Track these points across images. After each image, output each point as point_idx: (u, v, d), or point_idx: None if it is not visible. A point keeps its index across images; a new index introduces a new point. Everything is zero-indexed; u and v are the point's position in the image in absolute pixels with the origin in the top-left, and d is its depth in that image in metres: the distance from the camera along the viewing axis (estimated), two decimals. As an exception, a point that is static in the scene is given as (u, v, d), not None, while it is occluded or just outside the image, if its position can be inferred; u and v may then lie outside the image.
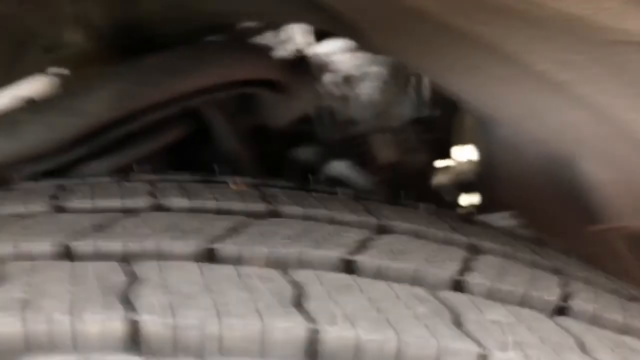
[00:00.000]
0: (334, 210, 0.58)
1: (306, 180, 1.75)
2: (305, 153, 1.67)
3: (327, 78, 1.48)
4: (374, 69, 1.49)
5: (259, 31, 1.18)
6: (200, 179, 0.65)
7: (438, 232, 0.60)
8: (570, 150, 0.84)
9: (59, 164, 0.75)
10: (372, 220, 0.58)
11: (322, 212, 0.57)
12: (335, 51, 1.52)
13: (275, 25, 1.15)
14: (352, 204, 0.64)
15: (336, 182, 1.61)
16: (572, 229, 0.99)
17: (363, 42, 0.89)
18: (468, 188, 1.86)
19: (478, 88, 0.83)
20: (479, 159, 1.59)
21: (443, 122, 1.67)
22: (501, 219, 1.37)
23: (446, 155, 1.78)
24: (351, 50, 1.51)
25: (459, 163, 1.98)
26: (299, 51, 1.15)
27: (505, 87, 0.80)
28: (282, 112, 1.15)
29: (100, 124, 0.73)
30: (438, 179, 1.96)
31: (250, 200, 0.56)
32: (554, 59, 0.69)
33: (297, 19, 1.10)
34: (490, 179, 1.09)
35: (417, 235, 0.58)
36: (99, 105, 0.69)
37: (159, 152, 0.96)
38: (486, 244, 0.61)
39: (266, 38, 1.32)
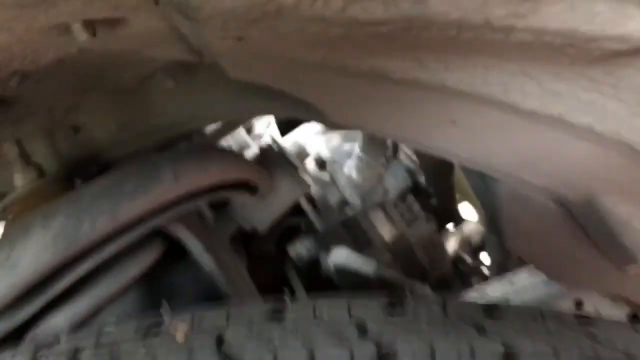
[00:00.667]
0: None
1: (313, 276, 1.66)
2: (302, 247, 1.57)
3: (306, 165, 1.41)
4: (348, 147, 1.42)
5: (224, 132, 1.12)
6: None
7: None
8: (584, 190, 0.74)
9: (4, 330, 0.64)
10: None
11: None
12: (307, 137, 1.46)
13: (237, 123, 1.08)
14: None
15: (344, 271, 1.51)
16: (608, 273, 0.88)
17: (328, 122, 0.82)
18: (480, 249, 1.76)
19: (462, 144, 0.75)
20: (484, 218, 1.50)
21: (443, 186, 1.59)
22: (529, 277, 1.26)
23: (454, 219, 1.69)
24: (323, 132, 1.46)
25: (468, 225, 1.89)
26: (269, 144, 1.07)
27: (490, 136, 0.72)
28: (263, 212, 1.06)
29: (46, 273, 0.63)
30: (450, 245, 1.86)
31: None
32: (541, 93, 0.61)
33: (258, 112, 1.04)
34: (501, 237, 0.98)
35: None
36: (38, 253, 0.60)
37: (135, 282, 0.87)
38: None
39: (235, 136, 1.26)
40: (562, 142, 0.68)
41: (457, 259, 1.92)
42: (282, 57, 0.60)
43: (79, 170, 1.04)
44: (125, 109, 1.03)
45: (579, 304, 1.08)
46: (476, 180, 0.96)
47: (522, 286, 1.18)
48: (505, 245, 0.99)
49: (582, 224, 0.80)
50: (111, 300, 0.79)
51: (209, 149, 0.82)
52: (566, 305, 1.09)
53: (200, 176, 0.74)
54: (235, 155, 0.88)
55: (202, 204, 0.88)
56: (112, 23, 0.50)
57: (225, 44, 0.50)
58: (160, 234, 0.85)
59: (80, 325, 0.82)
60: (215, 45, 0.52)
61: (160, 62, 0.88)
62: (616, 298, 1.07)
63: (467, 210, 1.90)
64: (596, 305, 1.08)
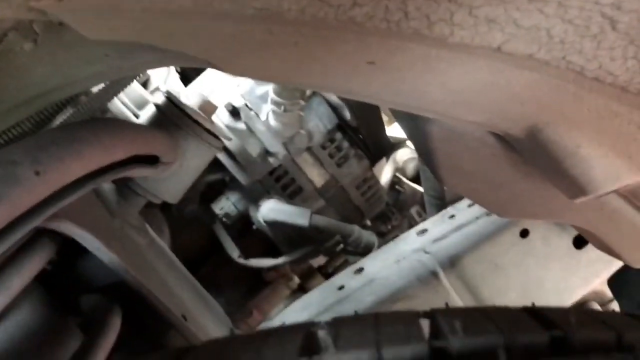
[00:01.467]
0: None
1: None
2: (228, 203, 1.47)
3: (216, 117, 1.27)
4: (262, 90, 1.29)
5: (113, 91, 0.96)
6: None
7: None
8: (526, 123, 0.66)
9: None
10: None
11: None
12: (213, 84, 1.31)
13: (126, 80, 0.93)
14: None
15: (276, 225, 1.42)
16: (553, 203, 0.82)
17: (229, 71, 0.69)
18: (417, 177, 1.70)
19: (384, 87, 0.64)
20: (418, 156, 1.43)
21: (371, 116, 1.49)
22: (467, 206, 1.20)
23: (386, 149, 1.60)
24: (228, 79, 1.31)
25: (401, 153, 1.83)
26: (167, 101, 0.93)
27: (415, 75, 0.61)
28: (171, 183, 0.93)
29: None
30: (384, 177, 1.79)
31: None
32: (472, 22, 0.51)
33: (145, 66, 0.89)
34: (437, 176, 0.91)
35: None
36: None
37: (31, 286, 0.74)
38: None
39: (129, 93, 1.11)
40: (499, 75, 0.59)
41: (394, 192, 1.85)
42: (140, 9, 0.46)
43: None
44: (-12, 80, 0.86)
45: (524, 234, 1.04)
46: (406, 120, 0.87)
47: (463, 220, 1.12)
48: (443, 183, 0.91)
49: (525, 156, 0.73)
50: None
51: (81, 126, 0.67)
52: (512, 236, 1.04)
53: (73, 165, 0.59)
54: (119, 127, 0.73)
55: (93, 187, 0.75)
56: None
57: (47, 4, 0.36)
58: (46, 232, 0.73)
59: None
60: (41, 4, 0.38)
61: (8, 21, 0.72)
62: (563, 224, 1.02)
63: (398, 131, 1.83)
64: (543, 233, 1.04)
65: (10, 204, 0.54)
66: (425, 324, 0.33)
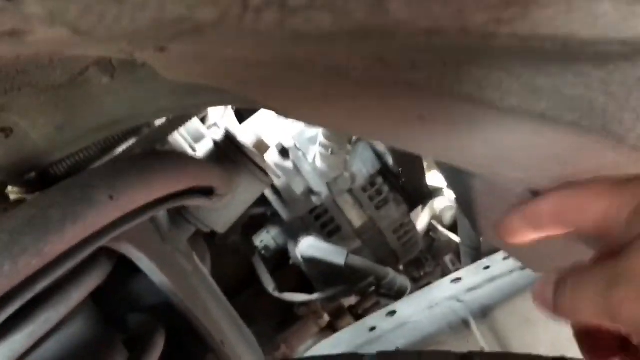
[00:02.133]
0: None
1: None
2: (268, 237, 1.51)
3: (267, 155, 1.33)
4: (311, 133, 1.34)
5: (174, 125, 1.02)
6: None
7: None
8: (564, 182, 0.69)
9: None
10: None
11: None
12: (266, 124, 1.38)
13: (187, 116, 0.99)
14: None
15: (312, 262, 1.46)
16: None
17: (286, 116, 0.74)
18: (453, 226, 1.72)
19: (431, 140, 0.68)
20: (458, 205, 1.45)
21: (412, 164, 1.53)
22: (502, 259, 1.21)
23: (425, 197, 1.63)
24: (281, 121, 1.37)
25: (439, 202, 1.85)
26: (225, 137, 0.99)
27: (462, 132, 0.65)
28: (222, 214, 0.99)
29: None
30: (421, 224, 1.81)
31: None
32: (520, 89, 0.54)
33: (207, 104, 0.95)
34: (476, 228, 0.93)
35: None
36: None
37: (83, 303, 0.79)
38: None
39: (188, 127, 1.17)
40: (542, 136, 0.62)
41: (429, 239, 1.87)
42: (221, 59, 0.51)
43: (16, 178, 0.95)
44: (61, 107, 0.93)
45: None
46: (448, 171, 0.90)
47: (498, 272, 1.14)
48: (481, 235, 0.94)
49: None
50: (53, 330, 0.71)
51: (151, 157, 0.73)
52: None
53: (142, 192, 0.65)
54: (183, 160, 0.79)
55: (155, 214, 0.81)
56: (14, 33, 0.41)
57: (145, 54, 0.42)
58: (106, 251, 0.78)
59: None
60: (136, 54, 0.43)
61: (91, 58, 0.79)
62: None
63: (437, 179, 1.86)
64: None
65: (84, 224, 0.60)
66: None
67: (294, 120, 1.12)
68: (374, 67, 0.52)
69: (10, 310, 0.59)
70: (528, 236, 0.54)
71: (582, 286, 0.45)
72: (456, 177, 0.84)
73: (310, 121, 0.76)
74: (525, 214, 0.53)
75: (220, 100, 0.91)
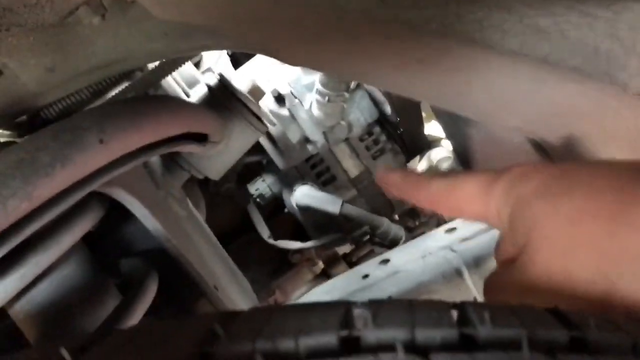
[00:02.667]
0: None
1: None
2: (264, 185, 1.51)
3: (262, 102, 1.31)
4: (308, 80, 1.31)
5: (168, 69, 1.00)
6: None
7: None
8: (564, 133, 0.68)
9: None
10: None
11: None
12: (262, 69, 1.34)
13: (182, 59, 0.97)
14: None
15: (307, 210, 1.45)
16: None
17: (280, 59, 0.72)
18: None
19: (430, 85, 0.67)
20: (455, 155, 1.44)
21: (411, 113, 1.51)
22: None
23: (422, 147, 1.62)
24: (277, 67, 1.34)
25: (436, 151, 1.84)
26: (219, 83, 0.96)
27: (462, 76, 0.64)
28: (215, 161, 0.97)
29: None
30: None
31: None
32: (523, 30, 0.53)
33: (202, 48, 0.93)
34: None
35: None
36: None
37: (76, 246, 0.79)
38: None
39: (182, 72, 1.15)
40: (543, 84, 0.61)
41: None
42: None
43: (6, 121, 0.93)
44: (51, 48, 0.91)
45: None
46: (446, 120, 0.89)
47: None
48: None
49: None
50: (44, 271, 0.71)
51: (143, 101, 0.71)
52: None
53: (133, 136, 0.64)
54: (176, 105, 0.77)
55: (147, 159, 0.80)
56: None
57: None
58: (98, 195, 0.77)
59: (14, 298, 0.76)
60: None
61: (80, -4, 0.76)
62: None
63: (435, 130, 1.84)
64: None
65: (75, 167, 0.59)
66: (454, 313, 0.36)
67: (290, 65, 1.09)
68: (373, 6, 0.50)
69: (0, 253, 0.59)
70: (400, 196, 0.53)
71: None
72: (454, 126, 0.83)
73: (305, 64, 0.74)
74: (407, 180, 0.52)
75: (214, 43, 0.89)
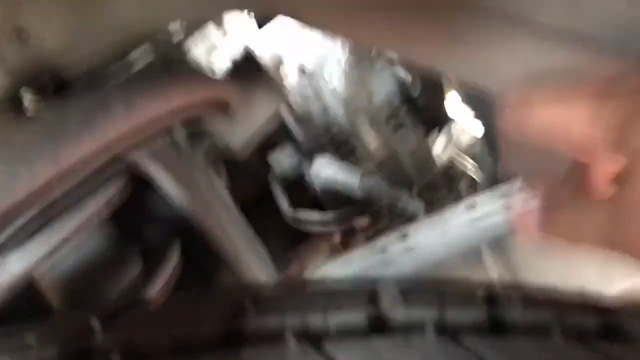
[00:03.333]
0: None
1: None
2: (284, 157, 1.50)
3: (285, 73, 1.30)
4: (330, 49, 1.30)
5: (189, 32, 0.99)
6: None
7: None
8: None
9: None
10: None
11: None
12: (284, 37, 1.33)
13: (204, 21, 0.96)
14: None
15: (326, 182, 1.45)
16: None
17: (307, 22, 0.71)
18: (470, 151, 1.70)
19: (459, 59, 0.66)
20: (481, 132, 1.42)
21: (432, 87, 1.49)
22: (515, 189, 1.20)
23: (443, 121, 1.60)
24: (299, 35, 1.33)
25: (457, 126, 1.82)
26: (242, 50, 0.96)
27: (492, 50, 0.63)
28: (236, 130, 0.97)
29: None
30: (437, 149, 1.79)
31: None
32: (557, 2, 0.52)
33: (227, 8, 0.92)
34: (496, 152, 0.92)
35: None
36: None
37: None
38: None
39: (203, 36, 1.14)
40: (575, 57, 0.60)
41: (445, 164, 1.86)
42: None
43: (30, 82, 0.94)
44: (75, 9, 0.91)
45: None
46: (471, 93, 0.87)
47: (514, 200, 1.13)
48: (503, 162, 0.92)
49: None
50: (69, 240, 0.72)
51: (167, 68, 0.71)
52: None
53: (157, 103, 0.64)
54: (199, 72, 0.77)
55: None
56: None
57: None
58: (122, 162, 0.78)
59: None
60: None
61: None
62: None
63: (455, 103, 1.82)
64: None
65: (101, 132, 0.59)
66: (483, 293, 0.36)
67: (314, 29, 1.07)
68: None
69: (28, 216, 0.60)
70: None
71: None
72: (479, 99, 0.82)
73: (331, 29, 0.73)
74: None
75: (240, 4, 0.88)
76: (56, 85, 0.96)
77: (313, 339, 0.29)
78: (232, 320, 0.31)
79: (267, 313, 0.32)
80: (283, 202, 1.52)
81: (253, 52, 0.95)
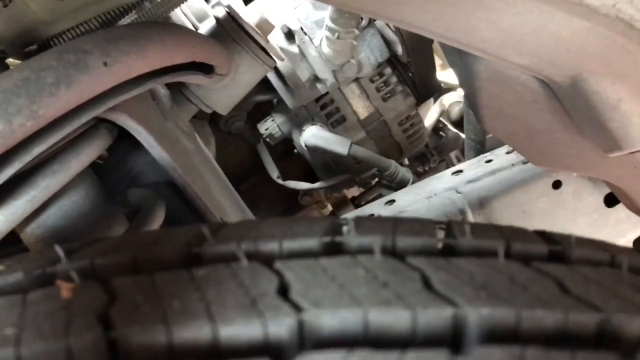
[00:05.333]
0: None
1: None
2: (273, 124, 1.51)
3: (271, 37, 1.30)
4: (318, 16, 1.30)
5: (174, 2, 1.00)
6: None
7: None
8: (571, 71, 0.67)
9: None
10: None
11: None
12: (272, 5, 1.33)
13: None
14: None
15: (316, 150, 1.46)
16: (589, 156, 0.84)
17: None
18: (461, 122, 1.70)
19: (438, 20, 0.66)
20: (463, 96, 1.43)
21: (423, 55, 1.49)
22: (505, 153, 1.21)
23: (434, 90, 1.60)
24: (287, 1, 1.32)
25: (448, 97, 1.82)
26: (227, 16, 0.96)
27: (469, 10, 0.63)
28: (222, 94, 0.98)
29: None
30: (429, 118, 1.80)
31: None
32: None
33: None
34: (478, 117, 0.92)
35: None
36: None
37: (83, 174, 0.81)
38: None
39: (191, 4, 1.14)
40: (550, 18, 0.60)
41: (436, 135, 1.86)
42: None
43: (16, 49, 0.94)
44: (60, -23, 0.91)
45: (557, 185, 1.05)
46: (454, 57, 0.88)
47: (499, 165, 1.14)
48: (482, 125, 0.93)
49: (566, 105, 0.74)
50: (54, 196, 0.73)
51: (148, 26, 0.71)
52: (544, 186, 1.06)
53: (138, 61, 0.64)
54: (182, 32, 0.77)
55: (153, 86, 0.80)
56: None
57: None
58: (106, 123, 0.78)
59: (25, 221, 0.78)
60: None
61: None
62: (596, 180, 1.03)
63: (450, 77, 1.82)
64: (576, 187, 1.05)
65: (79, 88, 0.59)
66: (440, 230, 0.37)
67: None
68: None
69: (9, 171, 0.61)
70: None
71: None
72: (461, 62, 0.82)
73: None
74: None
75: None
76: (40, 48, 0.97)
77: (265, 260, 0.31)
78: (190, 246, 0.33)
79: (224, 240, 0.33)
80: (273, 171, 1.54)
81: (237, 12, 0.95)
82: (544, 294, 0.29)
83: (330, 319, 0.27)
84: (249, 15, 1.10)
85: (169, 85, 1.00)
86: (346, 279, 0.29)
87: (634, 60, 0.62)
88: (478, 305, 0.27)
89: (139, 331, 0.26)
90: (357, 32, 1.25)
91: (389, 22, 1.33)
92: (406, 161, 1.78)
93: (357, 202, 1.71)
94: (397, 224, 0.35)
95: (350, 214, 1.26)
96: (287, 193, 1.63)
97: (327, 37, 1.25)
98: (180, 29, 0.80)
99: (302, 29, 1.30)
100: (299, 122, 1.50)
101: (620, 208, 1.06)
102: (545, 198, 1.06)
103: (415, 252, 0.32)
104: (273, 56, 1.01)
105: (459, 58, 0.87)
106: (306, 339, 0.27)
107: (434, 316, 0.27)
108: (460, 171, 1.20)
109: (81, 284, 0.30)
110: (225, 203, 1.03)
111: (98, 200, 0.84)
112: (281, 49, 1.32)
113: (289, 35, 1.33)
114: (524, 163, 1.12)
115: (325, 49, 1.28)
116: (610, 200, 1.07)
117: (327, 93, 1.44)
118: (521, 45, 0.66)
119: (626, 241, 1.10)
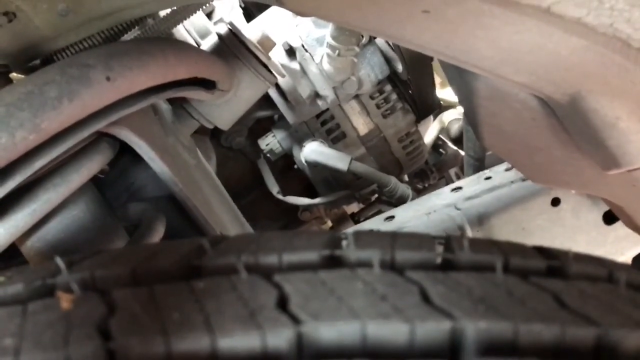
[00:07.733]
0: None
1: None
2: (274, 140, 1.52)
3: (273, 54, 1.31)
4: (320, 34, 1.31)
5: (180, 17, 1.01)
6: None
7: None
8: (570, 89, 0.68)
9: None
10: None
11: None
12: (274, 22, 1.34)
13: (195, 7, 0.97)
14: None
15: (316, 166, 1.47)
16: (587, 174, 0.84)
17: (287, 9, 0.72)
18: (460, 139, 1.71)
19: (437, 37, 0.67)
20: (463, 113, 1.44)
21: (423, 73, 1.50)
22: (504, 170, 1.22)
23: (434, 108, 1.61)
24: (292, 17, 1.34)
25: (448, 114, 1.83)
26: (229, 32, 0.97)
27: (468, 28, 0.64)
28: (223, 110, 0.98)
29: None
30: (428, 136, 1.81)
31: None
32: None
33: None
34: (477, 134, 0.93)
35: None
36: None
37: (85, 187, 0.82)
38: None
39: (194, 22, 1.15)
40: (548, 37, 0.61)
41: (436, 152, 1.87)
42: None
43: (20, 64, 0.95)
44: (64, -7, 0.91)
45: (556, 203, 1.06)
46: (453, 75, 0.88)
47: (498, 182, 1.14)
48: (482, 142, 0.93)
49: (564, 123, 0.74)
50: (55, 209, 0.73)
51: (151, 42, 0.72)
52: (543, 203, 1.06)
53: (140, 76, 0.65)
54: (184, 48, 0.78)
55: (155, 101, 0.81)
56: None
57: None
58: (107, 137, 0.79)
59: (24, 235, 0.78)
60: None
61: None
62: (594, 197, 1.04)
63: (449, 95, 1.83)
64: (574, 205, 1.05)
65: (82, 102, 0.60)
66: (439, 244, 0.37)
67: (298, 15, 1.07)
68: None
69: (11, 184, 0.61)
70: None
71: None
72: (461, 80, 0.83)
73: (314, 13, 0.74)
74: None
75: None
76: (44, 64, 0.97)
77: (265, 272, 0.31)
78: (190, 258, 0.33)
79: (224, 253, 0.33)
80: (273, 187, 1.54)
81: (239, 29, 0.96)
82: (541, 308, 0.29)
83: (328, 331, 0.27)
84: (250, 32, 1.11)
85: (170, 101, 1.00)
86: (345, 292, 0.29)
87: (632, 79, 0.63)
88: (476, 318, 0.27)
89: (138, 342, 0.26)
90: (357, 49, 1.26)
91: (389, 40, 1.34)
92: (406, 177, 1.78)
93: (356, 218, 1.72)
94: (396, 238, 0.36)
95: (350, 229, 1.26)
96: (287, 208, 1.63)
97: (327, 54, 1.26)
98: (183, 44, 0.81)
99: (303, 46, 1.31)
100: (299, 138, 1.50)
101: (619, 226, 1.06)
102: (544, 215, 1.06)
103: (414, 265, 0.32)
104: (274, 72, 1.02)
105: (458, 75, 0.88)
106: (305, 351, 0.27)
107: (432, 329, 0.27)
108: (460, 188, 1.20)
109: (81, 295, 0.31)
110: (226, 218, 1.03)
111: (99, 214, 0.84)
112: (282, 65, 1.33)
113: (290, 52, 1.34)
114: (523, 180, 1.12)
115: (326, 65, 1.29)
116: (609, 218, 1.07)
117: (327, 109, 1.45)
118: (520, 64, 0.67)
119: (625, 259, 1.10)
